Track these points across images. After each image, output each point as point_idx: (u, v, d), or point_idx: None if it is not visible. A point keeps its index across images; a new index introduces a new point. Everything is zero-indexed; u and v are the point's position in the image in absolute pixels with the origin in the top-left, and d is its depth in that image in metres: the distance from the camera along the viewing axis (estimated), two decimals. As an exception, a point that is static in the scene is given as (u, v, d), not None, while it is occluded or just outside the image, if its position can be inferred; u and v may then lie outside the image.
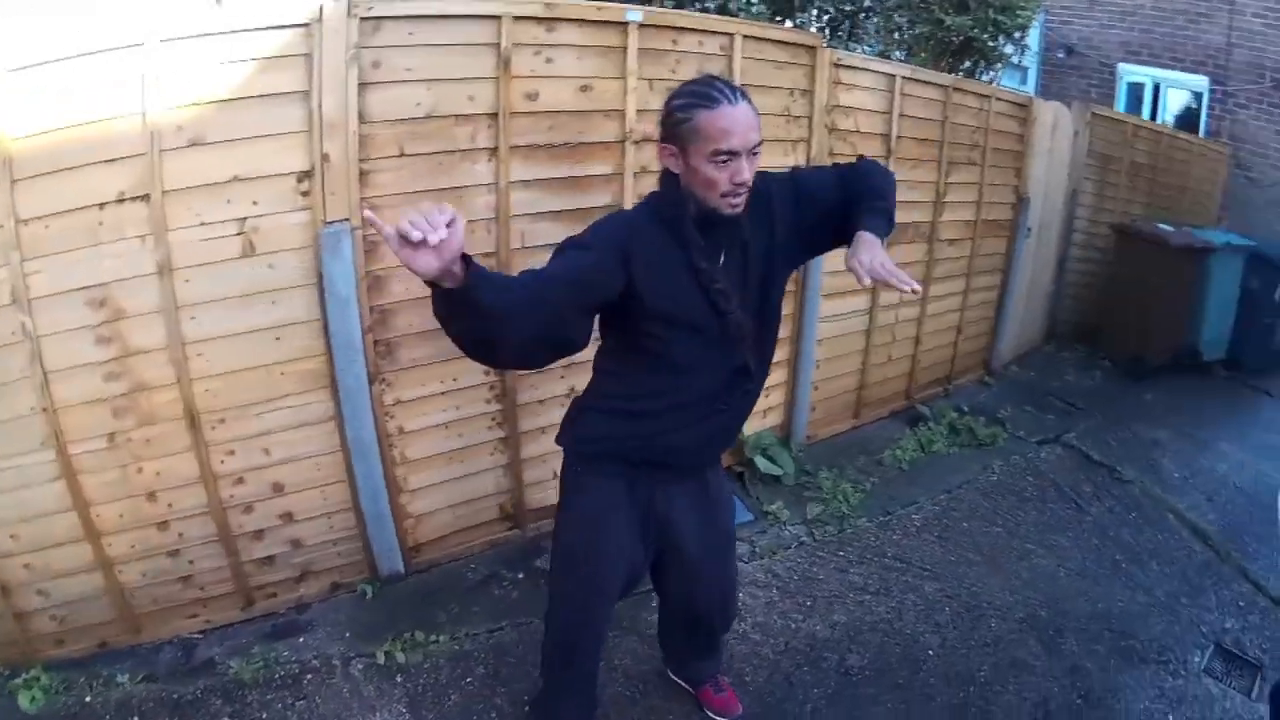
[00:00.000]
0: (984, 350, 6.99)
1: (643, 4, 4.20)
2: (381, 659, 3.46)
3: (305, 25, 3.13)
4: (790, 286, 4.46)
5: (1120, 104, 10.77)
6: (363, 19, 3.21)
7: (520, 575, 3.99)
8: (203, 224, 3.13)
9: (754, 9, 6.15)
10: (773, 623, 3.84)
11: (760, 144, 2.30)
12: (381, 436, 3.66)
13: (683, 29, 3.98)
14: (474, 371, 3.83)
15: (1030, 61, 10.61)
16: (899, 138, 5.15)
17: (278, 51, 3.13)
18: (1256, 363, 8.13)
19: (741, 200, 2.33)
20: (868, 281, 2.21)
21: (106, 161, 2.93)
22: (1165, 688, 3.69)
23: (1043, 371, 7.45)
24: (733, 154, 2.24)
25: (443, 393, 3.80)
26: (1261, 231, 8.72)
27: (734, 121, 2.22)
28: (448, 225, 1.79)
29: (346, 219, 3.34)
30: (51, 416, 3.04)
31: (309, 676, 3.38)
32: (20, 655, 3.27)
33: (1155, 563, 4.59)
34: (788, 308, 4.23)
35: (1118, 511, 5.08)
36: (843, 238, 2.45)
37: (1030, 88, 10.69)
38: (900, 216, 5.10)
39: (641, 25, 3.80)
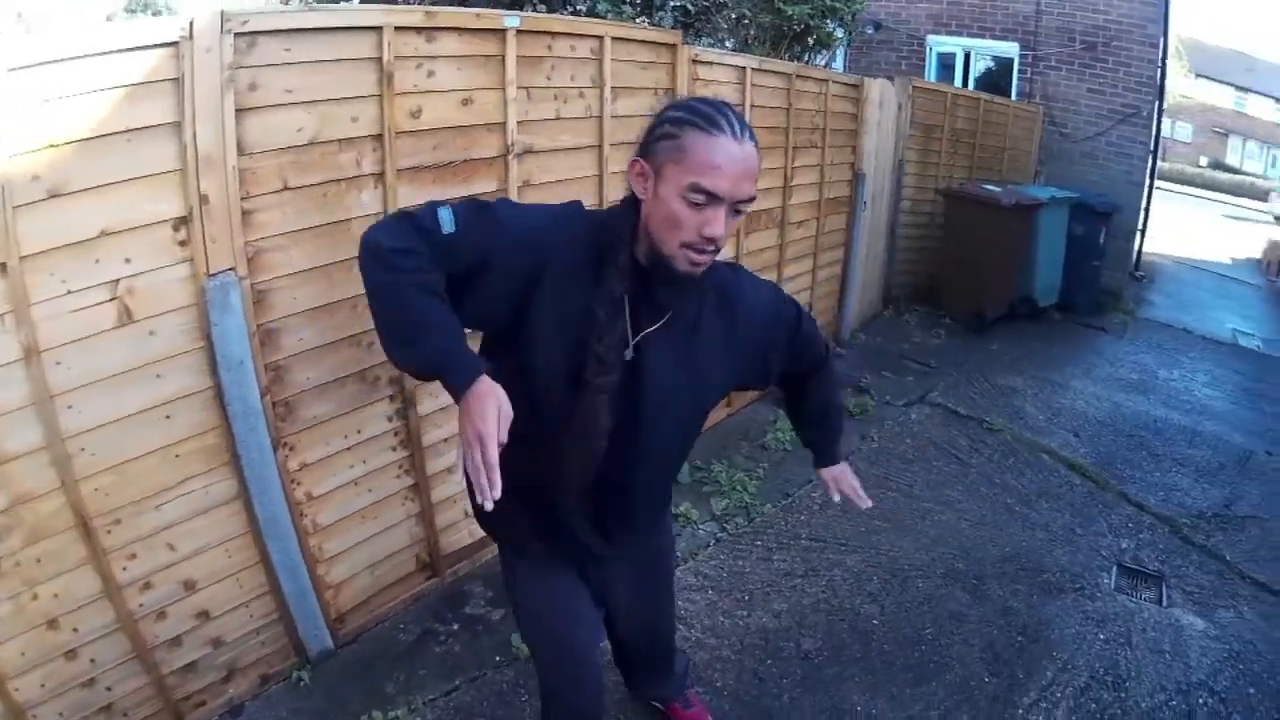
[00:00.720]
0: (833, 323, 7.03)
1: (516, 10, 3.81)
2: (343, 751, 2.93)
3: (174, 44, 2.51)
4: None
5: (930, 74, 11.06)
6: (237, 34, 2.63)
7: (455, 626, 3.51)
8: (70, 292, 2.45)
9: (622, 12, 5.89)
10: (720, 624, 3.63)
11: (751, 201, 1.76)
12: (292, 506, 3.07)
13: (557, 34, 3.61)
14: (377, 419, 3.33)
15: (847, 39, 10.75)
16: (751, 127, 4.97)
17: (144, 77, 2.49)
18: (1087, 304, 8.81)
19: (705, 261, 1.77)
20: (837, 498, 2.48)
21: None
22: (1088, 611, 3.85)
23: (889, 336, 7.60)
24: (713, 197, 1.68)
25: (348, 448, 3.26)
26: (1078, 182, 9.43)
27: (730, 159, 1.68)
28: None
29: (232, 268, 2.76)
30: None
31: None
32: None
33: (1044, 501, 4.78)
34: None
35: (996, 459, 5.25)
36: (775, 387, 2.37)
37: (839, 64, 10.58)
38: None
39: (519, 31, 3.38)
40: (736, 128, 1.71)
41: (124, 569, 2.70)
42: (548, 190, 3.74)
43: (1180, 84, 30.26)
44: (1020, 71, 10.59)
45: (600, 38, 3.80)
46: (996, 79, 10.94)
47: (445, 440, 3.59)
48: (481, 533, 3.75)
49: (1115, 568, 4.18)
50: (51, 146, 2.35)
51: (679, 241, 1.73)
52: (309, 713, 3.07)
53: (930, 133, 8.29)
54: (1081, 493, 4.92)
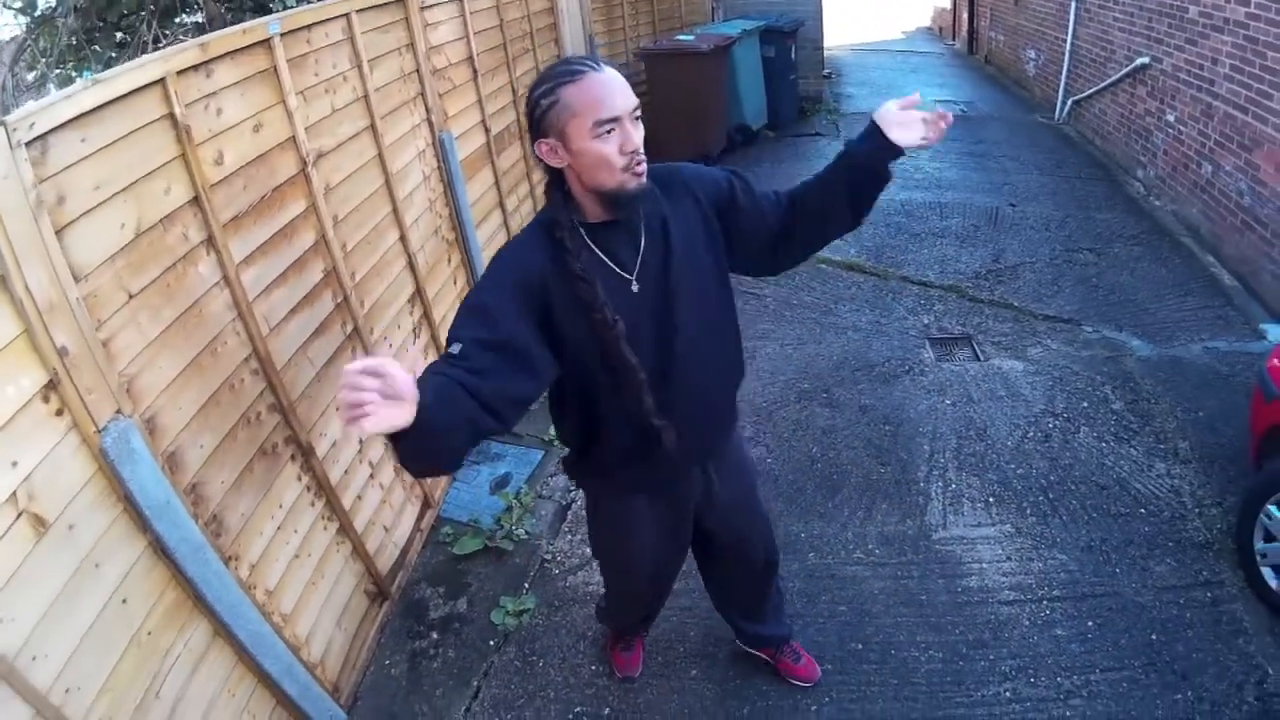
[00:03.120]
0: None
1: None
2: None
3: (-37, 184, 1.67)
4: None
5: None
6: (28, 143, 1.79)
7: (434, 635, 3.06)
8: None
9: None
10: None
11: (638, 106, 1.77)
12: (265, 615, 2.45)
13: (312, 25, 2.84)
14: (289, 485, 2.69)
15: None
16: (479, 54, 4.37)
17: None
18: (793, 116, 8.68)
19: (644, 169, 1.77)
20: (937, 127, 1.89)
21: None
22: (925, 385, 4.04)
23: None
24: (614, 120, 1.70)
25: (278, 527, 2.60)
26: (757, 9, 9.00)
27: (603, 86, 1.70)
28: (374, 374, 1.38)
29: (119, 410, 2.00)
30: None
31: None
32: None
33: (841, 306, 4.84)
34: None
35: (784, 283, 5.13)
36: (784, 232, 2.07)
37: None
38: (497, 126, 4.86)
39: (282, 34, 2.62)
40: (591, 63, 1.75)
41: (158, 777, 2.04)
42: (347, 185, 3.08)
43: None
44: None
45: (347, 15, 3.06)
46: None
47: (346, 472, 3.00)
48: (403, 539, 3.39)
49: (928, 342, 4.35)
50: None
51: (618, 169, 1.74)
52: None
53: (610, 3, 7.80)
54: (869, 288, 4.99)
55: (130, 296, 2.10)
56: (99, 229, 2.01)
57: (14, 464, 1.76)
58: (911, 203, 6.45)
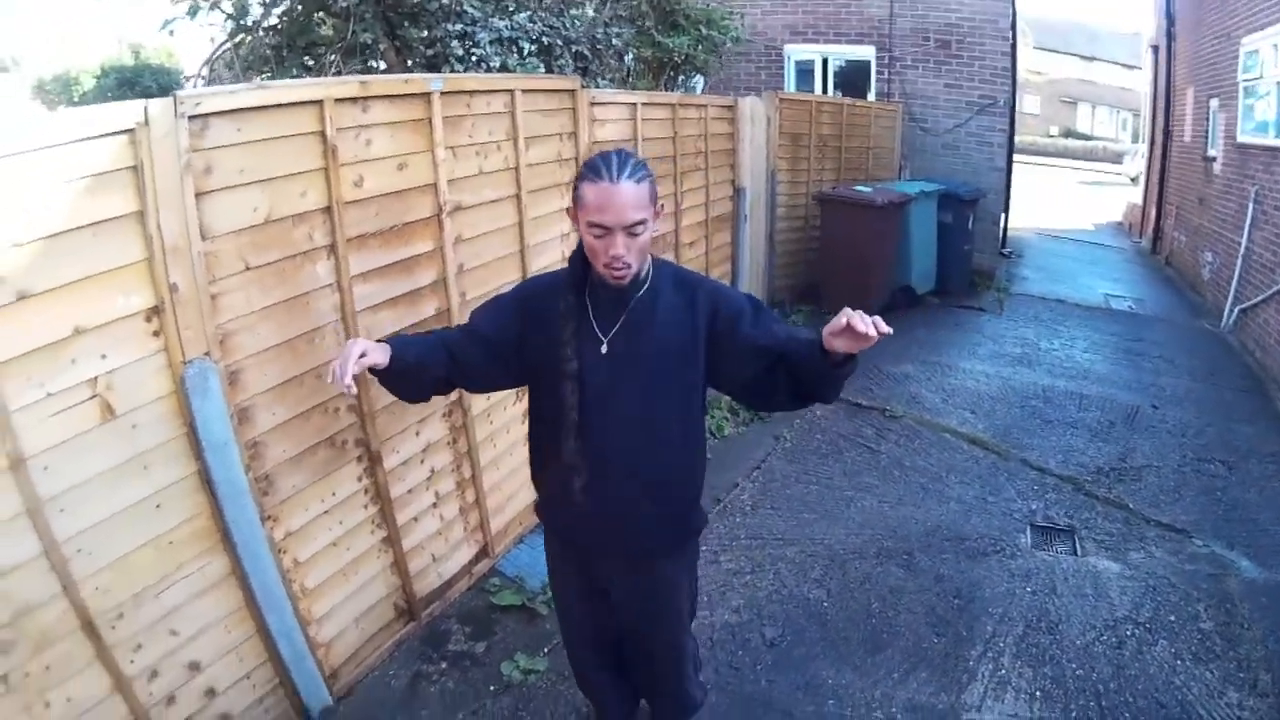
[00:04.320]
0: None
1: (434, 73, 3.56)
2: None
3: (130, 132, 2.20)
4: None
5: (789, 83, 10.50)
6: (191, 117, 2.33)
7: (443, 665, 3.23)
8: (49, 395, 2.11)
9: (528, 64, 5.56)
10: (685, 624, 3.50)
11: (642, 224, 2.03)
12: (283, 575, 2.76)
13: (474, 91, 3.39)
14: (348, 480, 3.03)
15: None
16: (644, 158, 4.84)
17: (103, 167, 2.17)
18: (961, 287, 8.58)
19: (624, 274, 2.06)
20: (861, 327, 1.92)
21: None
22: (1012, 569, 3.87)
23: None
24: (605, 229, 2.00)
25: (325, 512, 2.95)
26: (942, 173, 9.21)
27: (608, 198, 1.98)
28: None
29: (207, 353, 2.45)
30: None
31: None
32: None
33: (952, 476, 4.76)
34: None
35: (903, 443, 5.19)
36: (767, 379, 2.14)
37: (698, 87, 9.89)
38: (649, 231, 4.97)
39: (443, 93, 3.16)
40: (614, 172, 1.99)
41: (131, 661, 2.35)
42: (480, 243, 3.54)
43: (1026, 59, 27.61)
44: (878, 72, 10.14)
45: (511, 91, 3.59)
46: (855, 80, 10.47)
47: (410, 491, 3.32)
48: (449, 573, 3.61)
49: (1029, 528, 4.21)
50: (15, 247, 2.01)
51: (600, 264, 2.06)
52: (325, 772, 2.76)
53: (798, 140, 7.95)
54: (986, 464, 4.91)
55: (247, 268, 2.60)
56: (233, 205, 2.53)
57: (103, 356, 2.23)
58: (1053, 390, 6.27)
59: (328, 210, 2.81)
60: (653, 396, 2.18)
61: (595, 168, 2.02)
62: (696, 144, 5.75)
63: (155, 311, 2.34)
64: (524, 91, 3.67)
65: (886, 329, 1.93)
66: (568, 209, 2.17)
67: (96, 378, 2.22)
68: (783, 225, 7.92)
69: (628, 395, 2.16)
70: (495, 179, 3.60)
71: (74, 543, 2.18)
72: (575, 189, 2.08)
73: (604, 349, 2.15)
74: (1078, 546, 4.09)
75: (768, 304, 7.82)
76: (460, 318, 3.42)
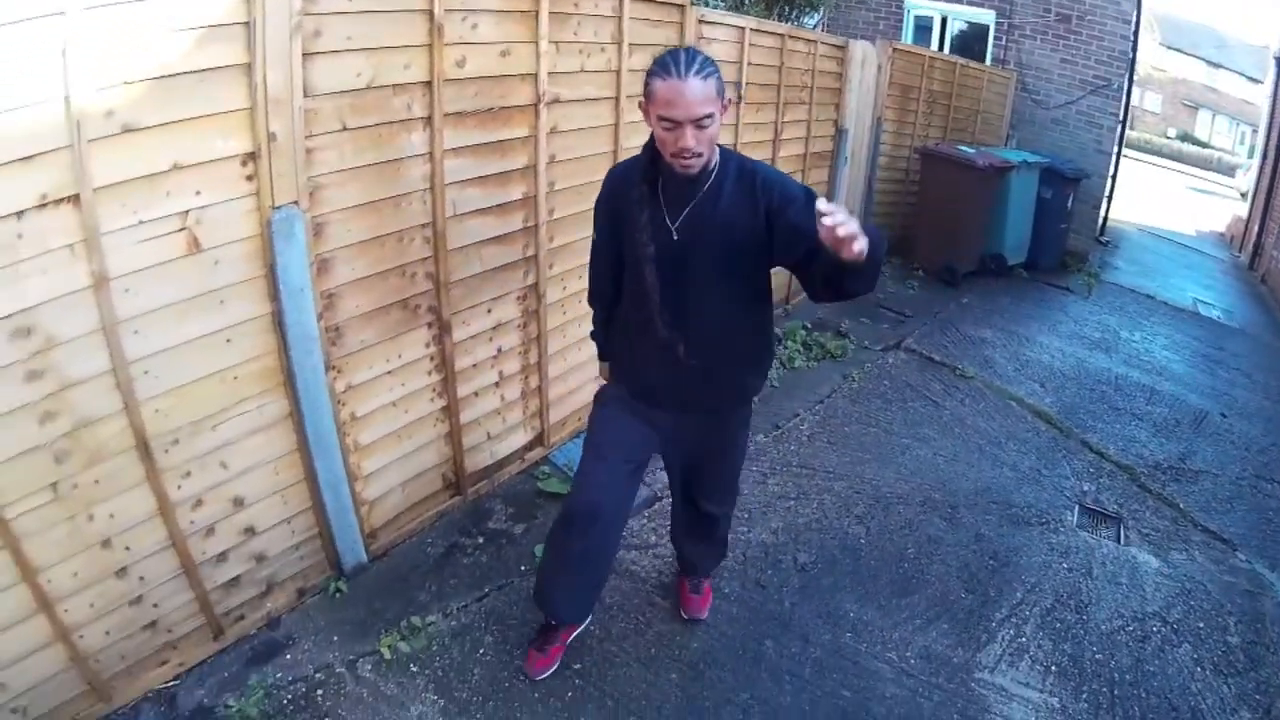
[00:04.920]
0: None
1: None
2: (386, 653, 2.77)
3: (246, -10, 2.25)
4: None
5: (907, 36, 10.35)
6: (303, -17, 2.37)
7: (480, 540, 3.35)
8: (140, 223, 2.21)
9: None
10: (724, 538, 3.58)
11: (709, 117, 2.13)
12: (338, 426, 2.88)
13: None
14: (416, 345, 3.13)
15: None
16: (748, 84, 4.75)
17: (217, 19, 2.24)
18: (1052, 264, 8.47)
19: (692, 164, 2.19)
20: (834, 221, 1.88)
21: (22, 160, 1.96)
22: (1053, 543, 3.82)
23: None
24: (674, 122, 2.11)
25: (388, 371, 3.06)
26: (1048, 147, 8.97)
27: (677, 93, 2.08)
28: None
29: (296, 201, 2.53)
30: None
31: (319, 692, 2.63)
32: None
33: (1012, 444, 4.69)
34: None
35: (968, 403, 5.12)
36: (810, 265, 2.17)
37: (811, 24, 9.67)
38: (748, 154, 4.85)
39: (550, -13, 3.14)
40: (682, 68, 2.08)
41: (178, 487, 2.50)
42: (574, 137, 3.55)
43: (1151, 55, 27.20)
44: (996, 38, 9.90)
45: None
46: (972, 44, 10.20)
47: (474, 365, 3.41)
48: (501, 454, 3.71)
49: (1077, 507, 4.15)
50: (126, 84, 2.10)
51: (669, 154, 2.18)
52: (348, 622, 2.91)
53: (907, 93, 7.82)
54: (1046, 438, 4.84)
55: (344, 128, 2.65)
56: (338, 68, 2.58)
57: (197, 193, 2.33)
58: (1126, 379, 6.07)
59: (428, 84, 2.84)
60: (722, 275, 2.35)
61: (665, 64, 2.10)
62: (802, 78, 5.57)
63: (251, 157, 2.42)
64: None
65: (852, 234, 1.89)
66: (640, 102, 2.24)
67: (188, 212, 2.31)
68: (883, 175, 7.80)
69: (701, 275, 2.34)
70: (596, 79, 3.58)
71: (142, 364, 2.31)
72: (646, 84, 2.15)
73: (674, 235, 2.32)
74: (1122, 535, 4.01)
75: None
76: (546, 204, 3.49)
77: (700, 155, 2.17)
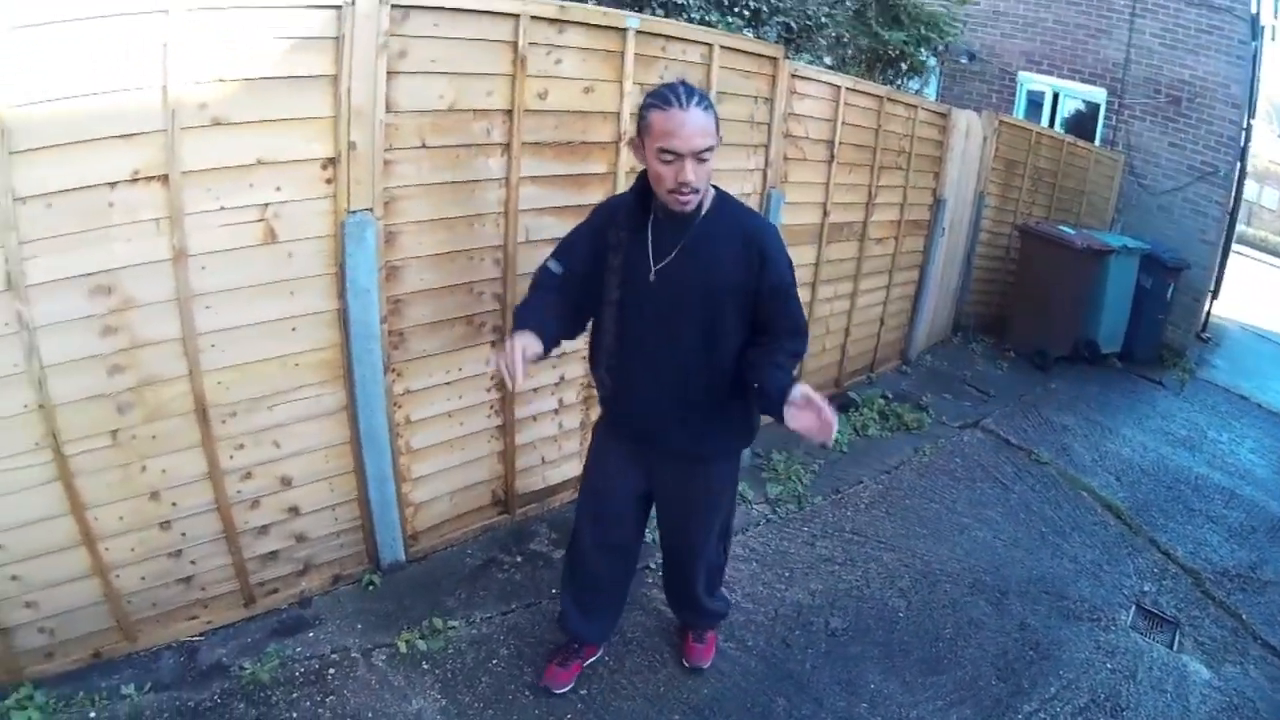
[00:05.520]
0: (901, 341, 6.60)
1: (636, 12, 3.70)
2: (403, 647, 2.86)
3: (338, 8, 2.51)
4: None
5: (1019, 110, 10.21)
6: (393, 6, 2.61)
7: (518, 559, 3.42)
8: (222, 208, 2.46)
9: (730, 24, 5.65)
10: (759, 592, 3.49)
11: (709, 150, 2.13)
12: (391, 426, 3.04)
13: (671, 37, 3.48)
14: (477, 361, 3.26)
15: (938, 68, 9.94)
16: (841, 144, 4.76)
17: (309, 33, 2.50)
18: (1148, 356, 8.07)
19: (689, 200, 2.16)
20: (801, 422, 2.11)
21: (121, 137, 2.23)
22: (1100, 641, 3.57)
23: (954, 361, 7.08)
24: (675, 154, 2.08)
25: (448, 382, 3.20)
26: (1152, 234, 8.58)
27: (679, 124, 2.06)
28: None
29: (370, 208, 2.73)
30: (47, 414, 2.29)
31: (331, 670, 2.74)
32: (5, 673, 2.47)
33: (1076, 534, 4.45)
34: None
35: (1038, 490, 4.90)
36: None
37: (931, 92, 10.03)
38: (837, 217, 4.95)
39: (638, 31, 3.29)
40: (683, 99, 2.07)
41: (230, 457, 2.70)
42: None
43: (1270, 147, 26.25)
44: (1106, 118, 9.59)
45: (710, 45, 3.64)
46: (1083, 124, 9.89)
47: (535, 390, 3.50)
48: (554, 480, 3.78)
49: (1134, 607, 3.87)
50: (220, 81, 2.36)
51: (665, 190, 2.15)
52: (375, 613, 3.02)
53: (1012, 168, 7.66)
54: (1114, 533, 4.56)
55: (423, 145, 2.86)
56: (421, 88, 2.80)
57: (278, 188, 2.57)
58: (1206, 480, 5.55)
59: (508, 113, 3.02)
60: (692, 323, 2.32)
61: (664, 96, 2.09)
62: (900, 143, 5.50)
63: (331, 162, 2.64)
64: (723, 48, 3.70)
65: (828, 438, 2.09)
66: (630, 140, 2.26)
67: (267, 204, 2.55)
68: (983, 250, 7.63)
69: (671, 321, 2.32)
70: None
71: (210, 338, 2.54)
72: (642, 117, 2.14)
73: (651, 277, 2.29)
74: (1176, 640, 3.68)
75: (954, 326, 7.72)
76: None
77: (698, 192, 2.16)
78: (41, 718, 2.39)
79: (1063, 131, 9.23)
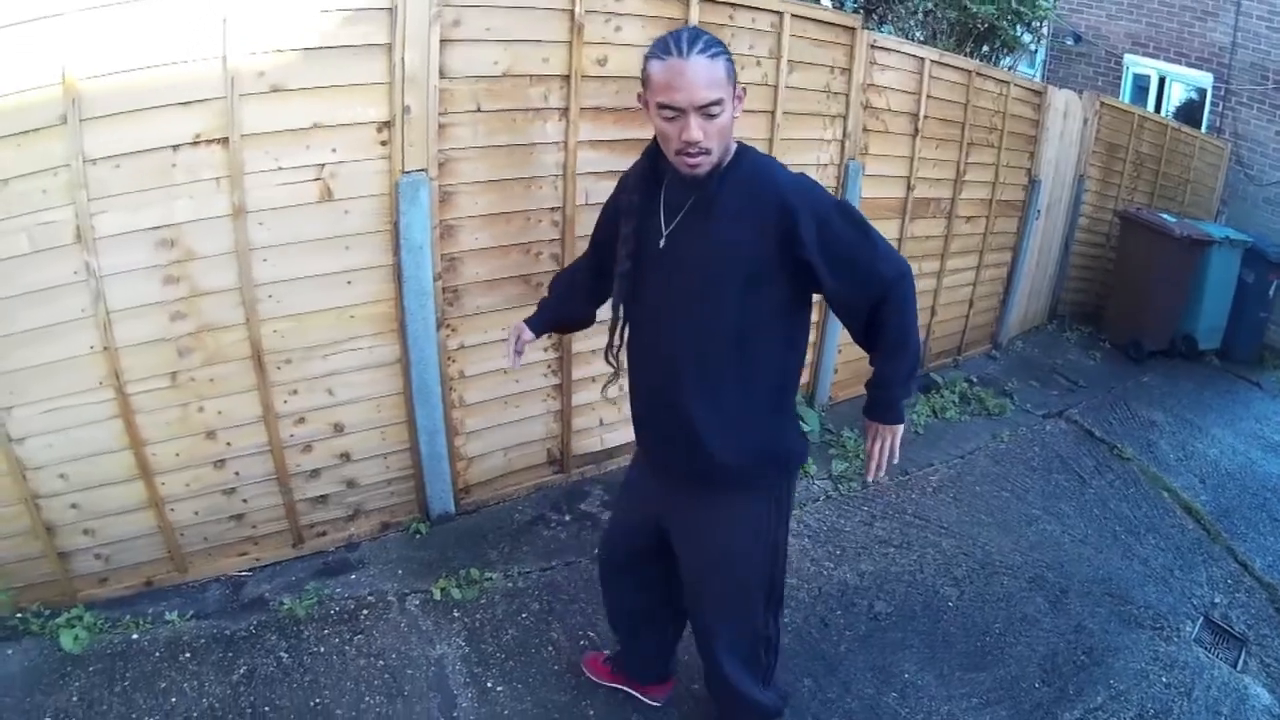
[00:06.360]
0: (992, 325, 6.35)
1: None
2: (437, 594, 3.00)
3: (391, -19, 2.62)
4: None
5: (1125, 94, 9.68)
6: (443, -21, 2.70)
7: (567, 518, 3.52)
8: (280, 168, 2.62)
9: None
10: (806, 569, 3.45)
11: (717, 104, 1.73)
12: (444, 380, 3.18)
13: (738, 5, 3.45)
14: (533, 322, 3.35)
15: (1038, 47, 9.51)
16: (925, 117, 4.59)
17: (363, 4, 2.61)
18: (1247, 355, 7.59)
19: (699, 162, 1.78)
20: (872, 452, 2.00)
21: (182, 104, 2.43)
22: (1159, 652, 3.36)
23: (1046, 349, 6.79)
24: (676, 110, 1.73)
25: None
26: (1258, 228, 8.08)
27: (677, 74, 1.71)
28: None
29: (424, 169, 2.85)
30: (111, 356, 2.54)
31: (365, 611, 2.91)
32: (61, 595, 2.76)
33: (1151, 536, 4.20)
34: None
35: (1117, 486, 4.64)
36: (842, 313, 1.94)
37: (1037, 73, 9.70)
38: (923, 192, 4.76)
39: (703, 0, 3.27)
40: (683, 47, 1.73)
41: (284, 402, 2.89)
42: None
43: None
44: (1212, 104, 9.02)
45: (780, 14, 3.58)
46: (1190, 111, 9.38)
47: (593, 351, 3.54)
48: (612, 443, 3.85)
49: (1201, 619, 3.61)
50: (277, 51, 2.51)
51: (672, 151, 1.82)
52: (418, 561, 3.19)
53: (1114, 152, 7.22)
54: (1191, 537, 4.26)
55: (479, 109, 2.95)
56: (475, 56, 2.89)
57: (333, 150, 2.71)
58: None
59: (566, 78, 3.07)
60: (707, 301, 1.89)
61: (663, 44, 1.76)
62: (991, 119, 5.20)
63: (386, 125, 2.77)
64: (794, 17, 3.63)
65: (880, 475, 2.03)
66: (638, 94, 1.90)
67: (324, 165, 2.71)
68: (1083, 237, 7.24)
69: (678, 300, 1.93)
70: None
71: (267, 289, 2.73)
72: (643, 70, 1.82)
73: (661, 243, 1.94)
74: (1241, 660, 3.41)
75: (1049, 313, 7.33)
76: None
77: (708, 153, 1.78)
78: (88, 636, 2.64)
79: (1171, 119, 8.61)
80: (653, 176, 1.99)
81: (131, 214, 2.45)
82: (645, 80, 1.81)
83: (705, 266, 1.89)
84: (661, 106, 1.76)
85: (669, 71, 1.73)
